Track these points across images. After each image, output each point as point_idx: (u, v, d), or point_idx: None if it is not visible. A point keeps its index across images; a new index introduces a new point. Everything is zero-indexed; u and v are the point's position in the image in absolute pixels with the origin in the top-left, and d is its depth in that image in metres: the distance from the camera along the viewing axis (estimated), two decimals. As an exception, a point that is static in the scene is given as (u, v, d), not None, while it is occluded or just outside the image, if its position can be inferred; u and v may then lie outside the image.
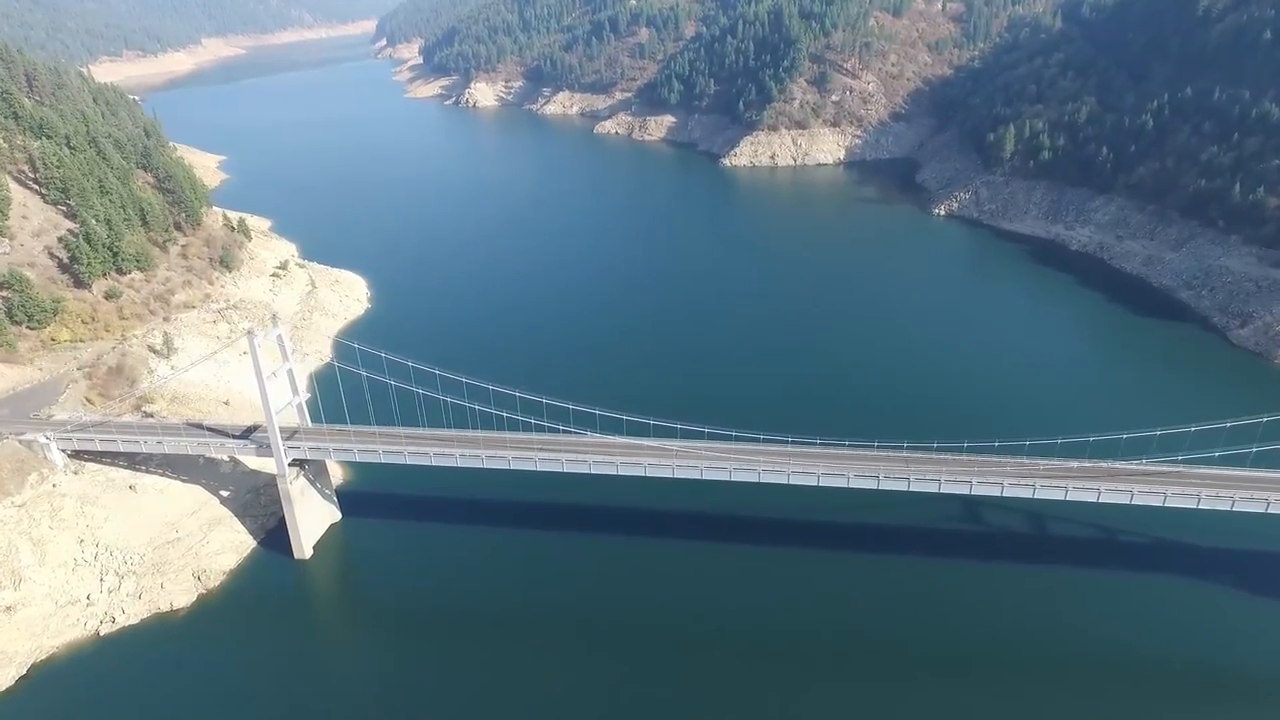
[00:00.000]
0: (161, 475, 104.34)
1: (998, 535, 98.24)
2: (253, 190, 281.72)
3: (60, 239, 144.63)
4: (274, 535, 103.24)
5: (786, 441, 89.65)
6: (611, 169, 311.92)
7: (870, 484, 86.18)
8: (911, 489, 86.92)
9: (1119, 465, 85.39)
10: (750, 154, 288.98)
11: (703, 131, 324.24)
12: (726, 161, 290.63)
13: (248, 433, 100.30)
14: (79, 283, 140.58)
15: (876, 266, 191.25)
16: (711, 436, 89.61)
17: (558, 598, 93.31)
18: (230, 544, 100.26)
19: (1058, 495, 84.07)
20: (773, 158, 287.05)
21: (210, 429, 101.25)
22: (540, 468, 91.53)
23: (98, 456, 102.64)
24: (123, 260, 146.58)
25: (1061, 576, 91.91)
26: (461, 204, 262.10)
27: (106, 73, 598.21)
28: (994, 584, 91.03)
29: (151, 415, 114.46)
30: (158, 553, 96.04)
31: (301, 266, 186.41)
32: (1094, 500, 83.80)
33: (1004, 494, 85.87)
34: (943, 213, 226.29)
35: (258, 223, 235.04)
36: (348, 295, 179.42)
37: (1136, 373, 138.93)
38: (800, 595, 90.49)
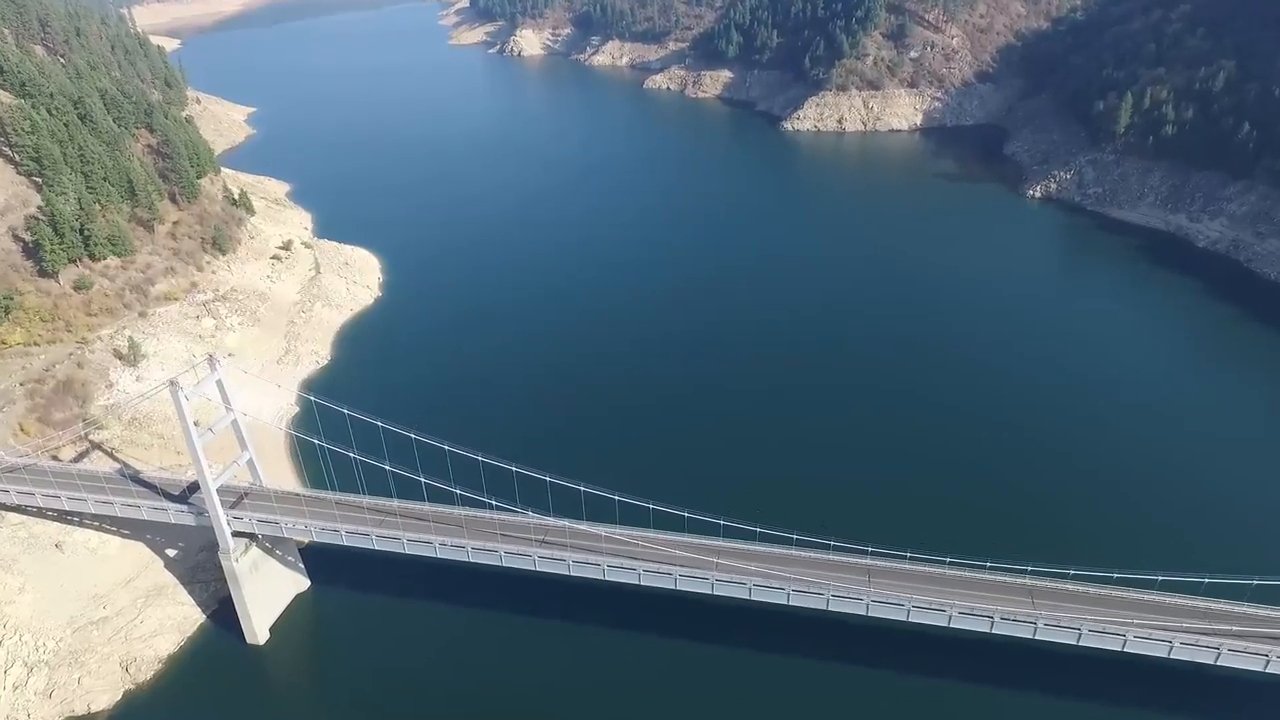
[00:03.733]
0: (96, 529, 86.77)
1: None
2: (277, 148, 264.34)
3: (28, 218, 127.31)
4: (227, 606, 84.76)
5: (865, 552, 67.24)
6: (659, 133, 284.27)
7: (982, 625, 63.43)
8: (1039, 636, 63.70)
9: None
10: (815, 117, 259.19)
11: (762, 89, 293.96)
12: (788, 125, 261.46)
13: (190, 491, 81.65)
14: (45, 271, 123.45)
15: (954, 265, 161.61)
16: (763, 536, 67.97)
17: (555, 688, 75.15)
18: (171, 622, 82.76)
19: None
20: (840, 122, 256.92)
21: (146, 484, 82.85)
22: (540, 568, 71.24)
23: (19, 506, 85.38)
24: (94, 245, 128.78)
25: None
26: (495, 168, 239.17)
27: (153, 15, 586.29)
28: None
29: (96, 445, 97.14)
30: (78, 636, 78.91)
31: (308, 247, 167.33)
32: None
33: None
34: (1037, 194, 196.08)
35: (275, 187, 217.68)
36: (356, 281, 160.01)
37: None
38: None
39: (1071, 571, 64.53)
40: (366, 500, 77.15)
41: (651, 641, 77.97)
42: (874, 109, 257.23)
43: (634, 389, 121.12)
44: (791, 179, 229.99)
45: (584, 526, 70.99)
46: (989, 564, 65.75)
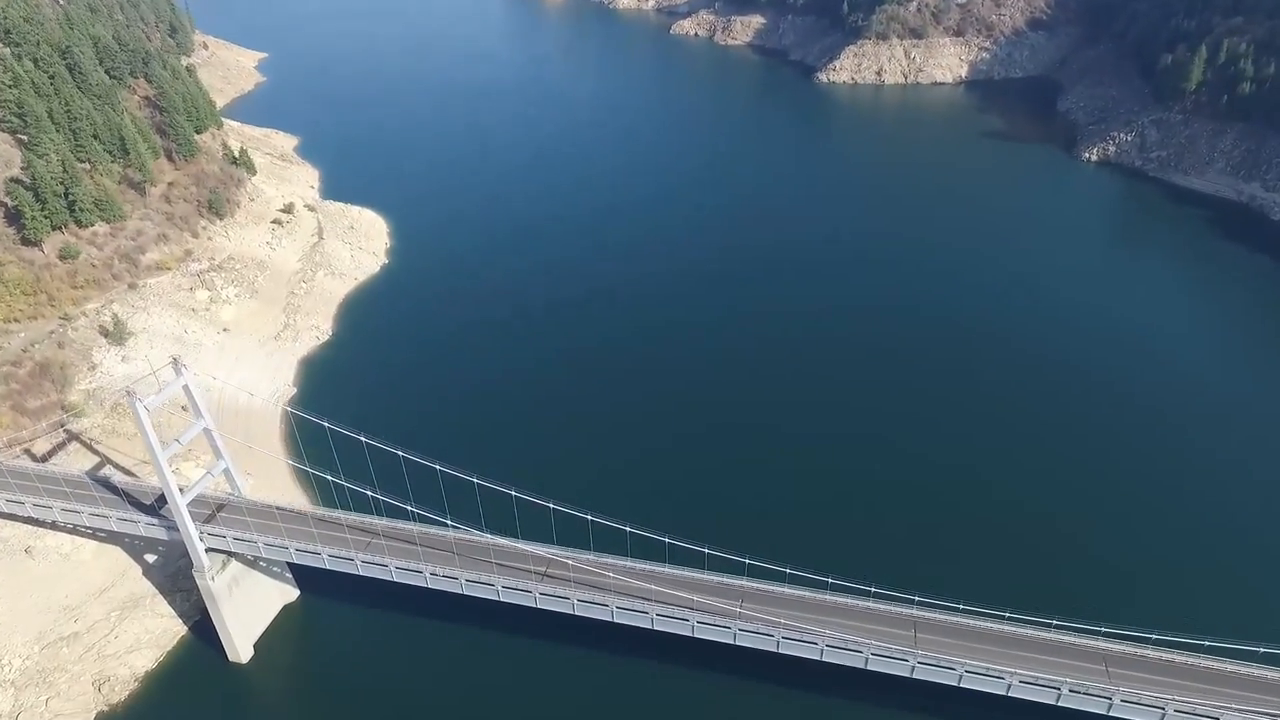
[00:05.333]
0: (70, 533, 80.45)
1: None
2: (287, 97, 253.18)
3: (10, 180, 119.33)
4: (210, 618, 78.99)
5: (910, 601, 58.63)
6: (684, 84, 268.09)
7: (1047, 696, 54.90)
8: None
9: None
10: (852, 68, 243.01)
11: (796, 37, 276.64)
12: (823, 76, 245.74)
13: (163, 501, 74.51)
14: (29, 239, 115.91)
15: (998, 237, 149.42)
16: (794, 578, 59.63)
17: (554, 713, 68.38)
18: (149, 636, 76.78)
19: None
20: (879, 73, 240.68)
21: (117, 491, 75.80)
22: (541, 605, 63.50)
23: (-13, 508, 79.13)
24: (80, 211, 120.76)
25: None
26: (513, 121, 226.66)
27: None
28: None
29: (73, 437, 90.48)
30: (47, 653, 73.13)
31: (311, 210, 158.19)
32: None
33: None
34: (1093, 157, 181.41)
35: (283, 141, 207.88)
36: (362, 248, 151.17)
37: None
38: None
39: (1154, 636, 55.59)
40: (352, 518, 69.57)
41: (656, 670, 70.22)
42: (916, 60, 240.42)
43: (648, 388, 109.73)
44: (824, 137, 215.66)
45: (590, 558, 63.09)
46: (1055, 621, 57.02)
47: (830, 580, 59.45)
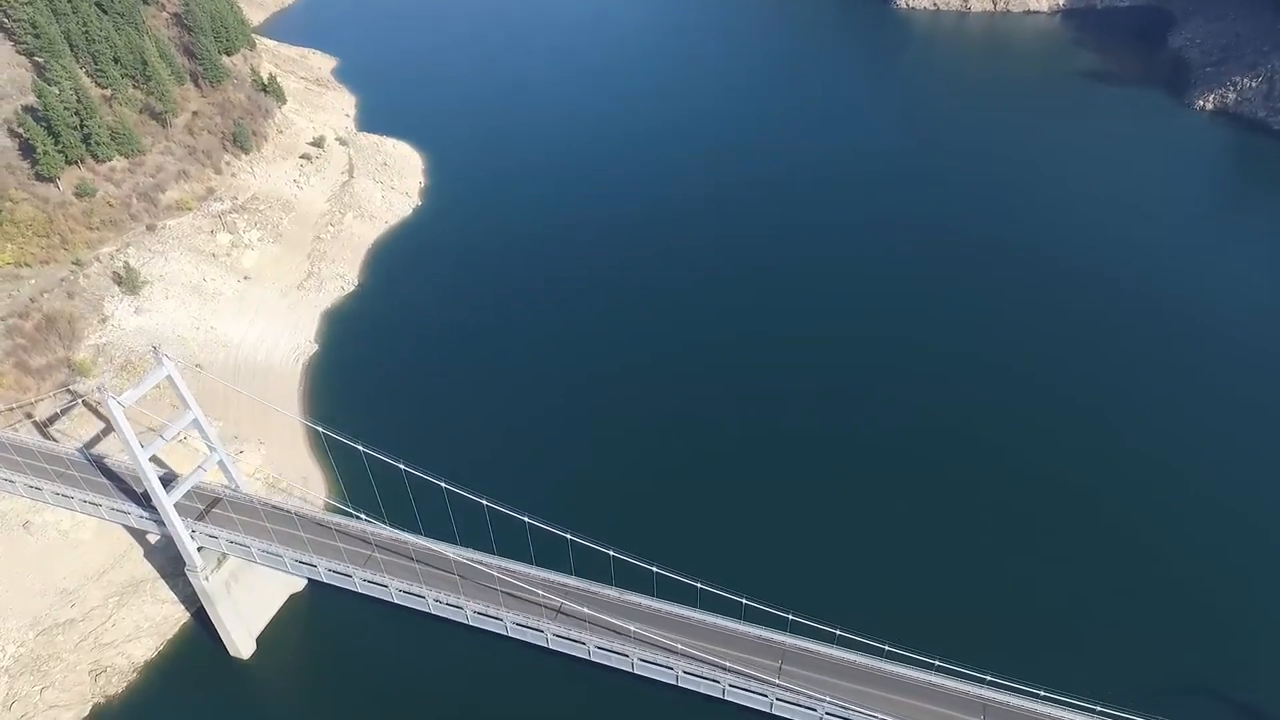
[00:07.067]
0: (69, 509, 75.93)
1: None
2: (328, 13, 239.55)
3: (25, 110, 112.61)
4: (213, 606, 74.57)
5: (981, 680, 49.92)
6: (745, 11, 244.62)
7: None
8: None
9: None
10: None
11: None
12: (901, 2, 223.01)
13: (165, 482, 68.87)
14: (43, 174, 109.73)
15: (1091, 197, 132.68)
16: (845, 640, 51.39)
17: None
18: (148, 623, 72.93)
19: None
20: (965, 1, 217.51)
21: (113, 475, 70.40)
22: (553, 646, 56.47)
23: (-17, 478, 74.86)
24: (97, 144, 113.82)
25: None
26: (560, 53, 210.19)
27: None
28: None
29: (78, 398, 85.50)
30: (42, 640, 69.66)
31: (343, 144, 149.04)
32: None
33: None
34: (1208, 105, 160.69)
35: (320, 62, 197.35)
36: (394, 187, 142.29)
37: None
38: None
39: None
40: (356, 526, 63.01)
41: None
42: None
43: (686, 392, 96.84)
44: (899, 72, 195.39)
45: (613, 594, 55.66)
46: None
47: (886, 647, 51.02)
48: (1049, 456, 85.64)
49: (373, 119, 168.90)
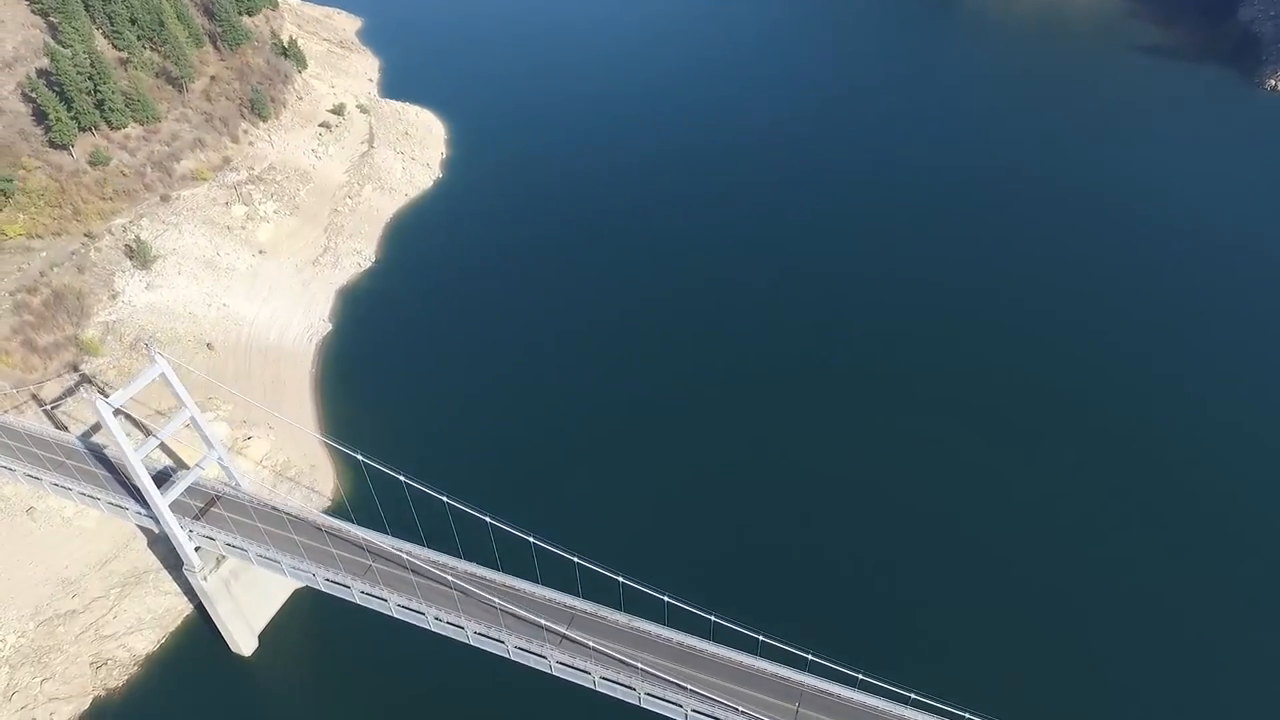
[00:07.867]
0: (73, 494, 74.39)
1: None
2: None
3: (38, 74, 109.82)
4: (217, 600, 72.88)
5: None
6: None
7: None
8: None
9: None
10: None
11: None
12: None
13: (164, 478, 66.69)
14: (57, 142, 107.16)
15: (1147, 186, 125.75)
16: (867, 685, 47.82)
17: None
18: (151, 615, 71.53)
19: None
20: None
21: (113, 467, 68.28)
22: (557, 673, 53.58)
23: (-13, 462, 73.37)
24: (110, 111, 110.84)
25: None
26: (602, 15, 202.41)
27: None
28: None
29: (86, 379, 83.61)
30: (44, 631, 68.44)
31: (364, 111, 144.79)
32: None
33: None
34: (1279, 85, 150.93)
35: (345, 23, 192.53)
36: (415, 158, 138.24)
37: None
38: None
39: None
40: (358, 533, 60.22)
41: None
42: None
43: (714, 416, 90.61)
44: (942, 49, 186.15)
45: (621, 619, 52.56)
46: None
47: (912, 695, 47.45)
48: (1091, 503, 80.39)
49: (396, 84, 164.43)
